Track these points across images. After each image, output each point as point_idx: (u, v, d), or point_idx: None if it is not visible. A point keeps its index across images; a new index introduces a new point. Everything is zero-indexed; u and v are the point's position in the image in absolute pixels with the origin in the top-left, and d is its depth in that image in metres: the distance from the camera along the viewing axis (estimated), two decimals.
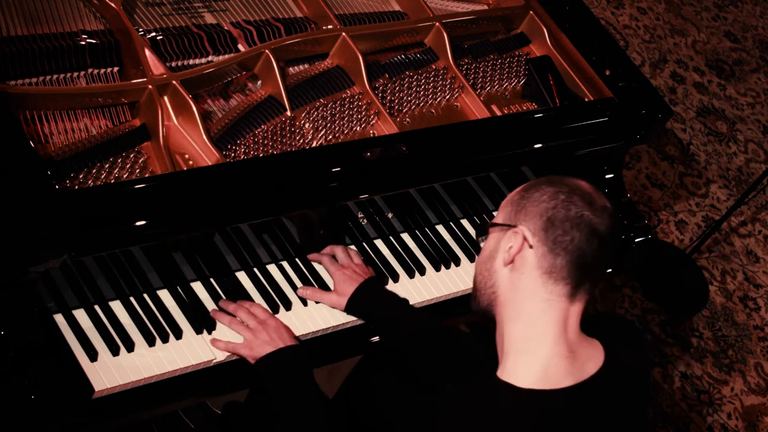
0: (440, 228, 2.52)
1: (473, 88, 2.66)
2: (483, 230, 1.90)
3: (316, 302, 2.25)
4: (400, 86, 2.58)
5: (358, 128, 2.46)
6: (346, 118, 2.45)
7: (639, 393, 1.90)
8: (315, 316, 2.23)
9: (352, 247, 2.37)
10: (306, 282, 2.27)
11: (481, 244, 1.92)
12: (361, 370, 2.50)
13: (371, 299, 2.22)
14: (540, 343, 1.78)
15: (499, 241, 1.85)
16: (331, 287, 2.28)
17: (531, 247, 1.79)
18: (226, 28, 2.45)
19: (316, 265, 2.32)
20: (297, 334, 2.19)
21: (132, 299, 2.10)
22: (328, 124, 2.42)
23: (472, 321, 3.26)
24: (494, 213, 2.61)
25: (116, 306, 2.09)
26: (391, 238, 2.44)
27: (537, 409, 1.74)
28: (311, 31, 2.54)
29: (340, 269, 2.26)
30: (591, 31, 2.85)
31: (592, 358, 1.82)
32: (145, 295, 2.12)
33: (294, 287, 2.25)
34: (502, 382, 1.78)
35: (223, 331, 2.13)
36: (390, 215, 2.42)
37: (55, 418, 1.88)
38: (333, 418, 2.03)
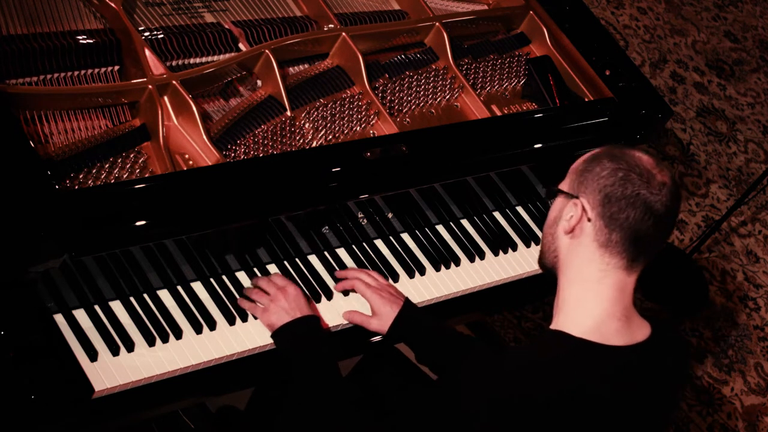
0: (440, 228, 2.52)
1: (473, 88, 2.66)
2: (551, 194, 1.95)
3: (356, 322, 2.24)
4: (400, 86, 2.58)
5: (358, 128, 2.46)
6: (346, 118, 2.45)
7: (679, 372, 1.98)
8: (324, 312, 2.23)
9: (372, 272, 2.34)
10: (305, 282, 2.27)
11: (551, 204, 1.97)
12: (361, 370, 2.51)
13: (413, 323, 2.23)
14: (596, 304, 1.85)
15: (563, 208, 1.90)
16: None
17: (589, 220, 1.85)
18: (226, 27, 2.45)
19: (315, 265, 2.32)
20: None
21: (132, 299, 2.10)
22: (328, 124, 2.42)
23: (472, 321, 3.26)
24: (494, 213, 2.61)
25: (116, 306, 2.08)
26: (391, 238, 2.44)
27: (586, 357, 1.81)
28: (311, 31, 2.54)
29: (377, 292, 2.24)
30: (591, 31, 2.85)
31: (642, 328, 1.90)
32: (145, 295, 2.12)
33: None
34: (554, 330, 1.85)
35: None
36: (390, 215, 2.42)
37: (55, 418, 1.88)
38: (346, 393, 2.04)
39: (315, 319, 2.12)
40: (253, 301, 2.17)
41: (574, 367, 1.80)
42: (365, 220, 2.38)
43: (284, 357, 2.10)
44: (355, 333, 2.27)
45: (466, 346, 2.22)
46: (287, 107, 2.38)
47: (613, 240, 1.84)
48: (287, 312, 2.10)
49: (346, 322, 2.24)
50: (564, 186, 1.92)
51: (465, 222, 2.56)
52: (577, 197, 1.86)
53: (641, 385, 1.86)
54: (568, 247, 1.89)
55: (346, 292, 2.29)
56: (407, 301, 2.26)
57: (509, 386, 1.75)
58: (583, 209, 1.85)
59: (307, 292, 2.25)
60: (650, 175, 1.83)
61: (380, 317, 2.23)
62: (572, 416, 1.77)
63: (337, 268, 2.33)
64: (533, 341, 1.90)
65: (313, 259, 2.33)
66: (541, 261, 1.99)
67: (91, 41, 2.24)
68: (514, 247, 2.56)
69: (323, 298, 2.27)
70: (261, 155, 2.29)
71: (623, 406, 1.84)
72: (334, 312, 2.26)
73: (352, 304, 2.28)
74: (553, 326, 1.88)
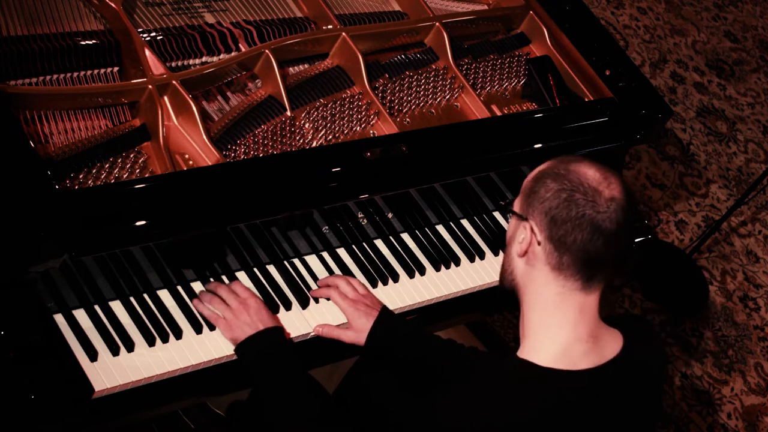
0: (440, 228, 2.52)
1: (473, 88, 2.66)
2: (504, 211, 1.91)
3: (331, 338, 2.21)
4: (400, 86, 2.58)
5: (358, 128, 2.46)
6: (346, 118, 2.45)
7: (655, 380, 1.92)
8: (314, 316, 2.23)
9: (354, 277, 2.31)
10: (305, 282, 2.27)
11: (508, 220, 1.92)
12: (358, 370, 2.50)
13: (390, 334, 2.18)
14: (559, 329, 1.81)
15: (515, 229, 1.86)
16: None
17: (539, 243, 1.80)
18: (226, 27, 2.45)
19: (314, 266, 2.32)
20: (297, 334, 2.19)
21: (132, 299, 2.10)
22: (328, 124, 2.42)
23: (472, 321, 3.26)
24: (495, 214, 2.61)
25: (116, 306, 2.08)
26: (391, 238, 2.44)
27: (555, 387, 1.77)
28: (311, 31, 2.54)
29: (353, 304, 2.20)
30: (591, 31, 2.85)
31: (612, 344, 1.84)
32: (145, 295, 2.12)
33: (294, 287, 2.25)
34: (521, 360, 1.80)
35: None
36: (390, 215, 2.42)
37: (55, 418, 1.88)
38: (321, 402, 2.01)
39: (279, 331, 2.08)
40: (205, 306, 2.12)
41: (542, 396, 1.75)
42: (365, 220, 2.38)
43: (248, 370, 2.05)
44: None
45: (443, 358, 2.18)
46: (287, 107, 2.38)
47: (565, 263, 1.78)
48: (249, 325, 2.06)
49: (343, 321, 2.23)
50: (516, 206, 1.87)
51: (465, 222, 2.56)
52: (526, 219, 1.82)
53: (616, 404, 1.82)
54: (523, 271, 1.84)
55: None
56: (384, 310, 2.21)
57: (481, 422, 1.72)
58: (532, 233, 1.80)
59: (308, 293, 2.25)
60: (596, 193, 1.76)
61: (356, 329, 2.18)
62: None
63: (337, 268, 2.33)
64: (498, 372, 1.82)
65: (312, 259, 2.33)
66: (501, 282, 1.93)
67: (91, 42, 2.24)
68: None
69: (322, 299, 2.27)
70: (261, 155, 2.29)
71: (598, 429, 1.81)
72: (333, 313, 2.25)
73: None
74: (519, 353, 1.83)
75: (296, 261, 2.31)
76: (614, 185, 1.78)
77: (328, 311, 2.25)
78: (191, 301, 2.14)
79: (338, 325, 2.21)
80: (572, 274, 1.79)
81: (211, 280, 2.20)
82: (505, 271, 1.90)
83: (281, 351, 2.06)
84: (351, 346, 2.21)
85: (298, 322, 2.20)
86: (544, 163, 1.86)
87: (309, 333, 2.21)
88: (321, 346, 2.23)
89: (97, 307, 2.06)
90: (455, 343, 2.25)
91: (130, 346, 2.03)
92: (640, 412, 1.88)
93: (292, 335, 2.18)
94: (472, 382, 1.81)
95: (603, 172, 1.79)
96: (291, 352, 2.07)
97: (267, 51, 2.38)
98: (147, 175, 2.15)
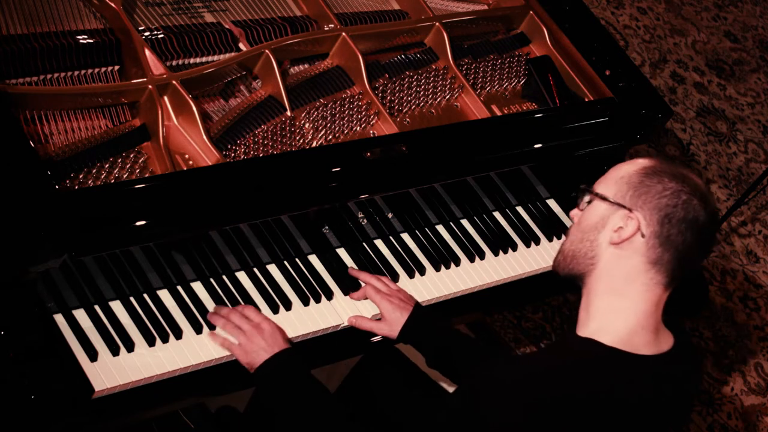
0: (440, 228, 2.52)
1: (473, 88, 2.66)
2: (584, 194, 1.91)
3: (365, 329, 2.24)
4: (400, 86, 2.58)
5: (358, 128, 2.46)
6: (346, 118, 2.45)
7: (695, 380, 2.02)
8: (315, 316, 2.23)
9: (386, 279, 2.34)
10: (305, 282, 2.27)
11: (581, 205, 1.91)
12: (360, 369, 2.50)
13: (423, 328, 2.22)
14: (630, 315, 1.85)
15: (607, 216, 1.86)
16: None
17: (643, 236, 1.82)
18: (226, 27, 2.45)
19: (315, 265, 2.32)
20: (297, 333, 2.19)
21: (132, 299, 2.10)
22: (328, 124, 2.42)
23: (472, 321, 3.26)
24: (494, 213, 2.61)
25: (116, 306, 2.08)
26: (391, 238, 2.44)
27: (616, 366, 1.81)
28: (311, 31, 2.54)
29: (387, 298, 2.24)
30: (591, 31, 2.85)
31: (667, 338, 1.91)
32: (145, 295, 2.12)
33: (295, 287, 2.25)
34: (585, 338, 1.84)
35: (224, 334, 2.13)
36: (390, 215, 2.42)
37: (55, 418, 1.88)
38: (339, 415, 2.02)
39: (294, 353, 2.08)
40: (221, 326, 2.12)
41: (604, 373, 1.80)
42: (365, 220, 2.38)
43: (267, 394, 2.05)
44: (354, 333, 2.27)
45: (479, 352, 2.21)
46: (287, 107, 2.38)
47: (665, 259, 1.83)
48: (264, 349, 2.05)
49: (343, 321, 2.24)
50: (608, 193, 1.87)
51: (465, 222, 2.56)
52: (630, 210, 1.83)
53: (665, 394, 1.87)
54: (611, 258, 1.85)
55: (346, 292, 2.29)
56: (417, 305, 2.25)
57: (542, 389, 1.74)
58: (639, 225, 1.82)
59: (308, 293, 2.25)
60: (707, 201, 1.83)
61: (390, 323, 2.22)
62: (601, 420, 1.78)
63: (337, 268, 2.33)
64: (560, 347, 1.88)
65: (313, 259, 2.33)
66: (568, 265, 1.92)
67: (91, 41, 2.24)
68: (514, 247, 2.56)
69: (323, 298, 2.27)
70: (261, 155, 2.29)
71: (648, 414, 1.84)
72: (333, 312, 2.26)
73: (353, 305, 2.28)
74: (582, 334, 1.85)
75: (297, 260, 2.31)
76: (712, 198, 1.87)
77: (328, 311, 2.25)
78: (205, 322, 2.13)
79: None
80: (666, 271, 1.84)
81: (212, 280, 2.20)
82: (582, 256, 1.88)
83: (299, 373, 2.05)
84: (349, 347, 2.22)
85: (297, 321, 2.20)
86: (643, 160, 1.88)
87: (308, 333, 2.21)
88: (321, 347, 2.23)
89: (97, 307, 2.06)
90: (479, 341, 2.27)
91: (130, 346, 2.03)
92: (680, 407, 1.94)
93: (292, 335, 2.18)
94: (531, 359, 1.87)
95: (705, 184, 1.87)
96: (308, 373, 2.06)
97: (267, 51, 2.38)
98: (147, 175, 2.15)
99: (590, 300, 1.88)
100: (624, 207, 1.84)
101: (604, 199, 1.86)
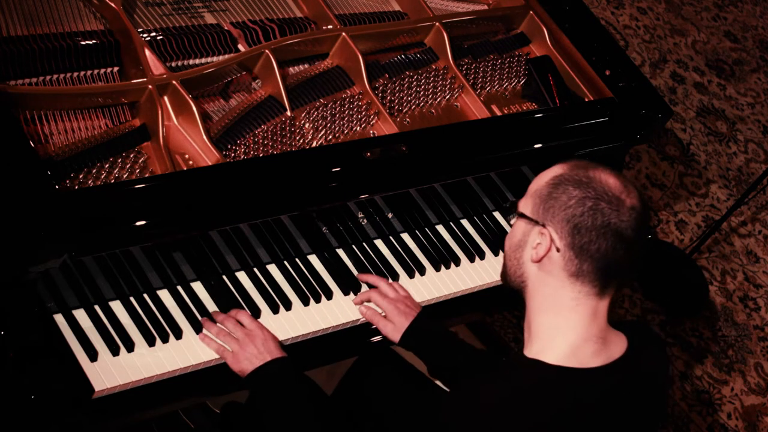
0: (440, 228, 2.52)
1: (473, 88, 2.66)
2: (509, 211, 1.90)
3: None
4: (400, 86, 2.58)
5: (358, 128, 2.46)
6: (346, 118, 2.45)
7: (660, 380, 1.94)
8: (315, 316, 2.23)
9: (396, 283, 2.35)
10: (305, 282, 2.27)
11: (511, 221, 1.90)
12: (357, 370, 2.50)
13: (425, 336, 2.23)
14: (569, 331, 1.81)
15: (527, 233, 1.83)
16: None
17: (558, 250, 1.79)
18: (226, 28, 2.45)
19: (315, 265, 2.32)
20: (296, 334, 2.19)
21: (132, 299, 2.10)
22: (328, 124, 2.42)
23: (472, 321, 3.26)
24: (495, 214, 2.61)
25: (116, 306, 2.09)
26: (391, 238, 2.44)
27: (564, 384, 1.77)
28: (311, 31, 2.54)
29: (393, 302, 2.25)
30: (591, 31, 2.85)
31: (618, 345, 1.85)
32: (145, 295, 2.12)
33: (295, 287, 2.25)
34: (530, 359, 1.80)
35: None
36: (390, 215, 2.42)
37: (55, 418, 1.88)
38: (328, 425, 2.03)
39: (286, 361, 2.08)
40: (212, 333, 2.12)
41: (553, 394, 1.76)
42: (365, 220, 2.38)
43: (257, 401, 2.06)
44: (354, 333, 2.27)
45: (480, 362, 2.21)
46: (287, 107, 2.38)
47: (584, 270, 1.78)
48: (256, 356, 2.05)
49: (345, 321, 2.24)
50: (526, 209, 1.84)
51: (465, 222, 2.56)
52: (543, 225, 1.80)
53: (623, 402, 1.84)
54: (536, 276, 1.83)
55: (346, 292, 2.29)
56: (421, 313, 2.25)
57: (491, 422, 1.72)
58: (551, 240, 1.79)
59: (308, 293, 2.25)
60: (619, 202, 1.76)
61: (394, 326, 2.23)
62: None
63: (337, 268, 2.33)
64: (509, 369, 1.83)
65: (313, 259, 2.33)
66: (505, 281, 1.92)
67: (92, 42, 2.24)
68: None
69: (323, 298, 2.27)
70: (261, 155, 2.29)
71: (608, 425, 1.82)
72: (333, 312, 2.26)
73: (353, 305, 2.28)
74: (528, 354, 1.82)
75: (297, 260, 2.31)
76: (633, 193, 1.79)
77: (328, 311, 2.25)
78: (203, 327, 2.13)
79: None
80: (590, 281, 1.79)
81: (212, 281, 2.20)
82: (513, 274, 1.88)
83: (289, 382, 2.06)
84: (349, 348, 2.23)
85: (297, 321, 2.21)
86: (556, 167, 1.84)
87: (308, 333, 2.21)
88: (321, 347, 2.23)
89: (97, 307, 2.06)
90: (482, 351, 2.26)
91: (130, 346, 2.03)
92: (647, 410, 1.88)
93: (292, 335, 2.18)
94: (480, 382, 1.82)
95: (622, 180, 1.80)
96: (298, 381, 2.07)
97: (267, 51, 2.38)
98: (147, 175, 2.15)
99: (530, 319, 1.86)
100: (538, 223, 1.81)
101: (521, 216, 1.84)
